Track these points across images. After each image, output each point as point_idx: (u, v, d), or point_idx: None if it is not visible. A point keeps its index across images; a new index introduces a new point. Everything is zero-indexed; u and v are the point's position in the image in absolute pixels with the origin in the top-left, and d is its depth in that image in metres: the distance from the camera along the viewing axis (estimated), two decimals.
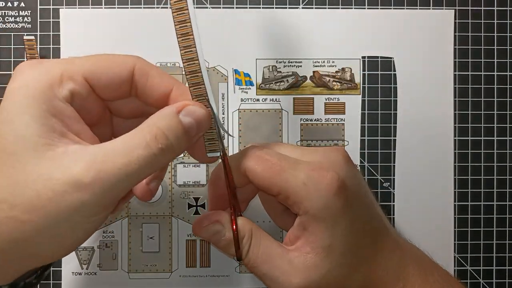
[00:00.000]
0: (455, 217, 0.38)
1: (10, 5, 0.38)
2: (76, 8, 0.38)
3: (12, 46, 0.38)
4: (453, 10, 0.39)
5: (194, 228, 0.28)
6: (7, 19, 0.38)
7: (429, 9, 0.39)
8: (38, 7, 0.38)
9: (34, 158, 0.20)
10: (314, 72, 0.39)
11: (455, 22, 0.39)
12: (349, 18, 0.39)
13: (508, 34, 0.39)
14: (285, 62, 0.38)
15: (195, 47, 0.23)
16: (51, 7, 0.38)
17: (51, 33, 0.38)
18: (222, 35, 0.38)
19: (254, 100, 0.38)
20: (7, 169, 0.20)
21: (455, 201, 0.38)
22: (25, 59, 0.37)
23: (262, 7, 0.39)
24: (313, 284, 0.25)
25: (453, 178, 0.38)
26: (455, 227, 0.38)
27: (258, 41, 0.38)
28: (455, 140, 0.39)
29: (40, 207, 0.20)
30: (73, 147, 0.21)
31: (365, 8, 0.39)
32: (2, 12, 0.38)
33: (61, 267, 0.37)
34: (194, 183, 0.38)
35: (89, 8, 0.38)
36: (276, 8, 0.39)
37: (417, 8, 0.39)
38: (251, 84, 0.38)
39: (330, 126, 0.39)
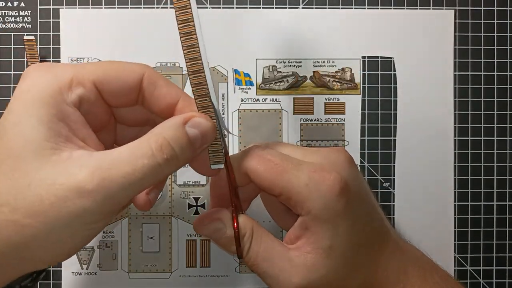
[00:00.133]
0: (455, 217, 0.38)
1: (10, 5, 0.38)
2: (76, 8, 0.38)
3: (12, 46, 0.38)
4: (453, 10, 0.39)
5: (195, 226, 0.28)
6: (7, 19, 0.38)
7: (429, 9, 0.39)
8: (38, 7, 0.38)
9: (39, 162, 0.20)
10: (314, 72, 0.39)
11: (455, 22, 0.39)
12: (349, 18, 0.39)
13: (508, 34, 0.39)
14: (285, 62, 0.38)
15: (198, 46, 0.23)
16: (51, 7, 0.38)
17: (51, 33, 0.38)
18: (222, 35, 0.38)
19: (254, 100, 0.38)
20: (11, 172, 0.20)
21: (455, 201, 0.38)
22: (25, 59, 0.37)
23: (262, 7, 0.39)
24: (313, 284, 0.25)
25: (453, 178, 0.38)
26: (455, 227, 0.38)
27: (258, 41, 0.38)
28: (455, 140, 0.39)
29: (42, 212, 0.20)
30: (78, 152, 0.21)
31: (365, 8, 0.39)
32: (2, 12, 0.38)
33: (61, 267, 0.37)
34: (194, 183, 0.38)
35: (89, 8, 0.38)
36: (276, 8, 0.39)
37: (417, 8, 0.39)
38: (251, 84, 0.38)
39: (330, 126, 0.39)
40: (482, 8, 0.39)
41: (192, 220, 0.38)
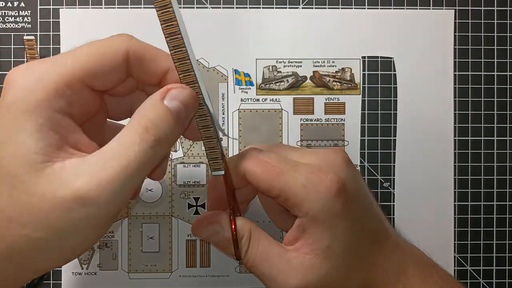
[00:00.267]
0: (455, 217, 0.38)
1: (10, 5, 0.38)
2: (76, 8, 0.38)
3: (12, 46, 0.38)
4: (453, 10, 0.39)
5: (193, 229, 0.28)
6: (7, 19, 0.38)
7: (429, 9, 0.39)
8: (38, 7, 0.38)
9: (34, 177, 0.20)
10: (314, 72, 0.39)
11: (455, 22, 0.39)
12: (349, 18, 0.39)
13: (508, 34, 0.39)
14: (285, 62, 0.38)
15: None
16: (51, 7, 0.38)
17: (51, 33, 0.38)
18: (222, 35, 0.38)
19: (254, 100, 0.38)
20: (10, 190, 0.20)
21: (455, 201, 0.38)
22: (25, 59, 0.37)
23: (262, 7, 0.39)
24: (311, 285, 0.25)
25: (453, 178, 0.38)
26: (455, 227, 0.38)
27: (258, 41, 0.38)
28: (455, 140, 0.39)
29: (49, 225, 0.20)
30: (71, 160, 0.21)
31: (365, 8, 0.39)
32: (2, 12, 0.38)
33: (61, 267, 0.37)
34: (194, 183, 0.38)
35: (89, 8, 0.38)
36: (276, 8, 0.39)
37: (417, 8, 0.39)
38: (251, 84, 0.38)
39: (330, 126, 0.39)
40: (482, 8, 0.39)
41: (192, 220, 0.38)
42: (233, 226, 0.26)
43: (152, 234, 0.38)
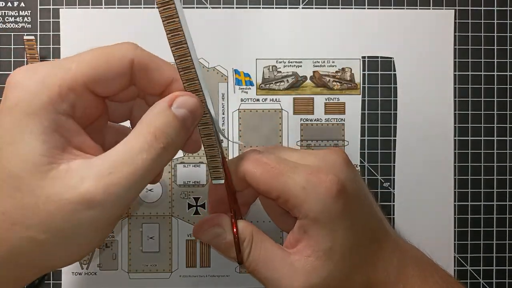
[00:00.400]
0: (455, 217, 0.38)
1: (10, 5, 0.38)
2: (76, 8, 0.38)
3: (12, 46, 0.38)
4: (453, 10, 0.39)
5: (194, 232, 0.28)
6: (7, 19, 0.38)
7: (429, 9, 0.39)
8: (38, 7, 0.38)
9: (39, 180, 0.20)
10: (314, 72, 0.39)
11: (455, 22, 0.39)
12: (349, 18, 0.39)
13: (508, 34, 0.39)
14: (285, 62, 0.38)
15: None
16: (51, 7, 0.38)
17: (51, 33, 0.38)
18: (222, 35, 0.38)
19: (254, 100, 0.38)
20: (14, 192, 0.20)
21: (455, 201, 0.38)
22: (25, 59, 0.37)
23: (262, 7, 0.39)
24: (314, 287, 0.25)
25: (453, 178, 0.38)
26: (455, 227, 0.38)
27: (258, 41, 0.38)
28: (455, 140, 0.39)
29: (55, 227, 0.20)
30: (76, 162, 0.21)
31: (365, 8, 0.39)
32: (2, 12, 0.38)
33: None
34: (194, 183, 0.38)
35: (89, 8, 0.38)
36: (276, 8, 0.39)
37: (417, 8, 0.39)
38: (251, 84, 0.38)
39: (330, 126, 0.39)
40: (482, 8, 0.39)
41: (192, 220, 0.38)
42: (235, 229, 0.26)
43: (152, 234, 0.38)
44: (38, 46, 0.38)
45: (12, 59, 0.38)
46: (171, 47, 0.23)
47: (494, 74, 0.39)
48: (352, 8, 0.39)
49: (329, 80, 0.39)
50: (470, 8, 0.39)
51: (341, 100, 0.39)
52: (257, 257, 0.26)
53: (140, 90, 0.26)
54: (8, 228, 0.20)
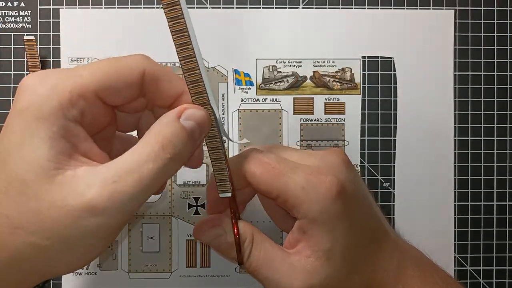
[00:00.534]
0: (455, 217, 0.38)
1: (10, 5, 0.38)
2: (76, 8, 0.38)
3: (12, 46, 0.38)
4: (453, 10, 0.39)
5: (194, 232, 0.28)
6: (7, 19, 0.38)
7: (429, 9, 0.39)
8: (38, 7, 0.38)
9: (45, 184, 0.20)
10: (314, 72, 0.39)
11: (455, 22, 0.39)
12: (349, 18, 0.39)
13: (508, 34, 0.39)
14: (285, 62, 0.38)
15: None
16: (51, 7, 0.38)
17: (51, 33, 0.38)
18: (222, 35, 0.38)
19: (254, 100, 0.38)
20: (19, 196, 0.20)
21: (455, 201, 0.38)
22: (25, 59, 0.37)
23: (262, 7, 0.39)
24: (314, 287, 0.25)
25: (453, 178, 0.38)
26: (455, 227, 0.38)
27: (258, 41, 0.38)
28: (455, 140, 0.39)
29: (58, 233, 0.20)
30: (82, 169, 0.21)
31: (365, 8, 0.39)
32: (2, 12, 0.38)
33: None
34: (194, 183, 0.38)
35: (89, 8, 0.38)
36: (276, 8, 0.39)
37: (417, 8, 0.39)
38: (251, 84, 0.38)
39: (330, 126, 0.39)
40: (482, 8, 0.39)
41: (192, 220, 0.38)
42: (235, 230, 0.26)
43: (152, 234, 0.38)
44: (38, 46, 0.38)
45: (12, 59, 0.38)
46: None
47: (494, 74, 0.39)
48: (352, 8, 0.39)
49: (329, 80, 0.39)
50: (470, 8, 0.39)
51: (341, 100, 0.39)
52: (257, 257, 0.26)
53: (149, 101, 0.26)
54: (11, 232, 0.20)
